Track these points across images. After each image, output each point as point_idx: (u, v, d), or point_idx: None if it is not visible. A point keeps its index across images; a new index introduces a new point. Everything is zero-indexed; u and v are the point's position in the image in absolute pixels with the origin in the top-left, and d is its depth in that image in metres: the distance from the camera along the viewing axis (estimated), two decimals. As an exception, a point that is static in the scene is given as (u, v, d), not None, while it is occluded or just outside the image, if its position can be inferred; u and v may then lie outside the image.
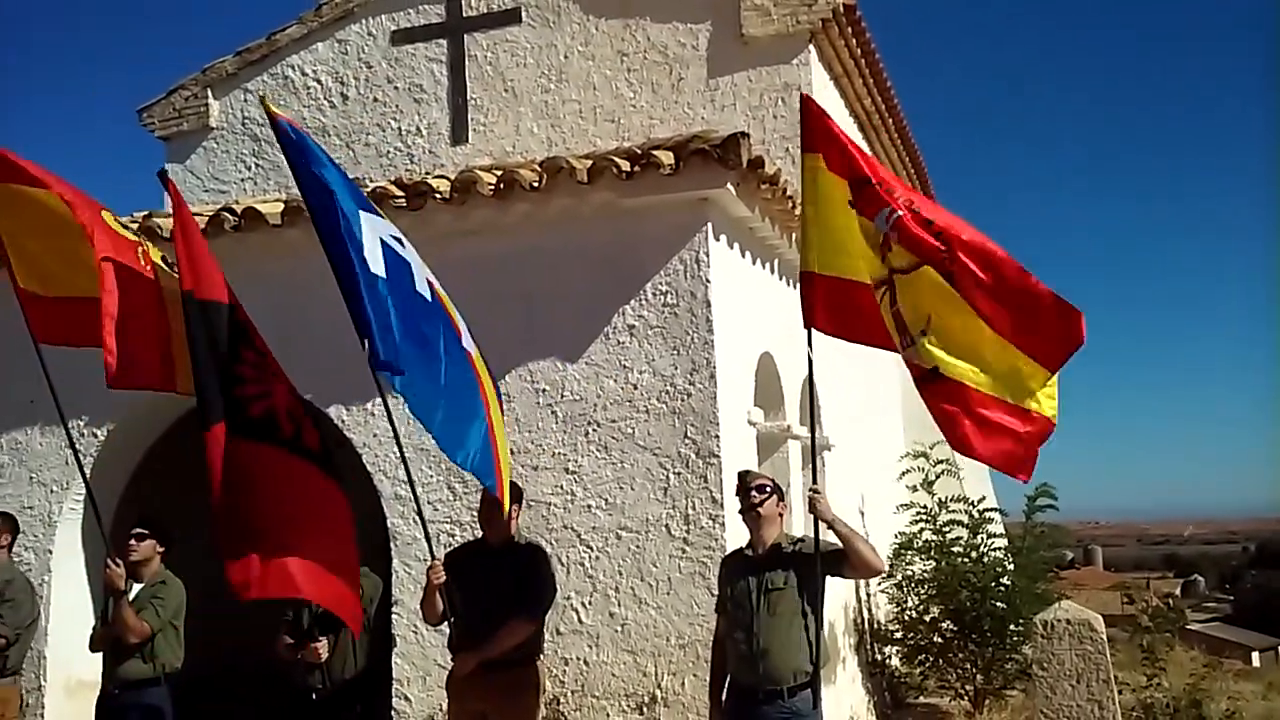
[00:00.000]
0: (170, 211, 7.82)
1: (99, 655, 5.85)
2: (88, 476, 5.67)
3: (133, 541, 5.60)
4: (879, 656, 9.26)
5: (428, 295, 4.58)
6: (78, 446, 5.90)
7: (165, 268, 4.92)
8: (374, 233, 4.39)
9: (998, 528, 9.76)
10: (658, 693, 6.09)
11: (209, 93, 10.19)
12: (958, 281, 4.39)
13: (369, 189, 6.41)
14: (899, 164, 12.09)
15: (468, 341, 4.74)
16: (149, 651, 5.47)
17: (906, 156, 12.07)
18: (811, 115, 4.65)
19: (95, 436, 7.20)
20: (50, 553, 7.26)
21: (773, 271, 7.54)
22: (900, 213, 4.45)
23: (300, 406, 4.51)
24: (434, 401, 4.36)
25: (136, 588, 5.52)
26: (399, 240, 4.58)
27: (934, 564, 9.14)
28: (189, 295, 4.39)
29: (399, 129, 9.64)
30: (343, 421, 6.78)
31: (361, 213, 4.39)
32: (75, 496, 7.35)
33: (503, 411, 5.02)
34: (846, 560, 4.58)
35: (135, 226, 6.98)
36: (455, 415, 4.45)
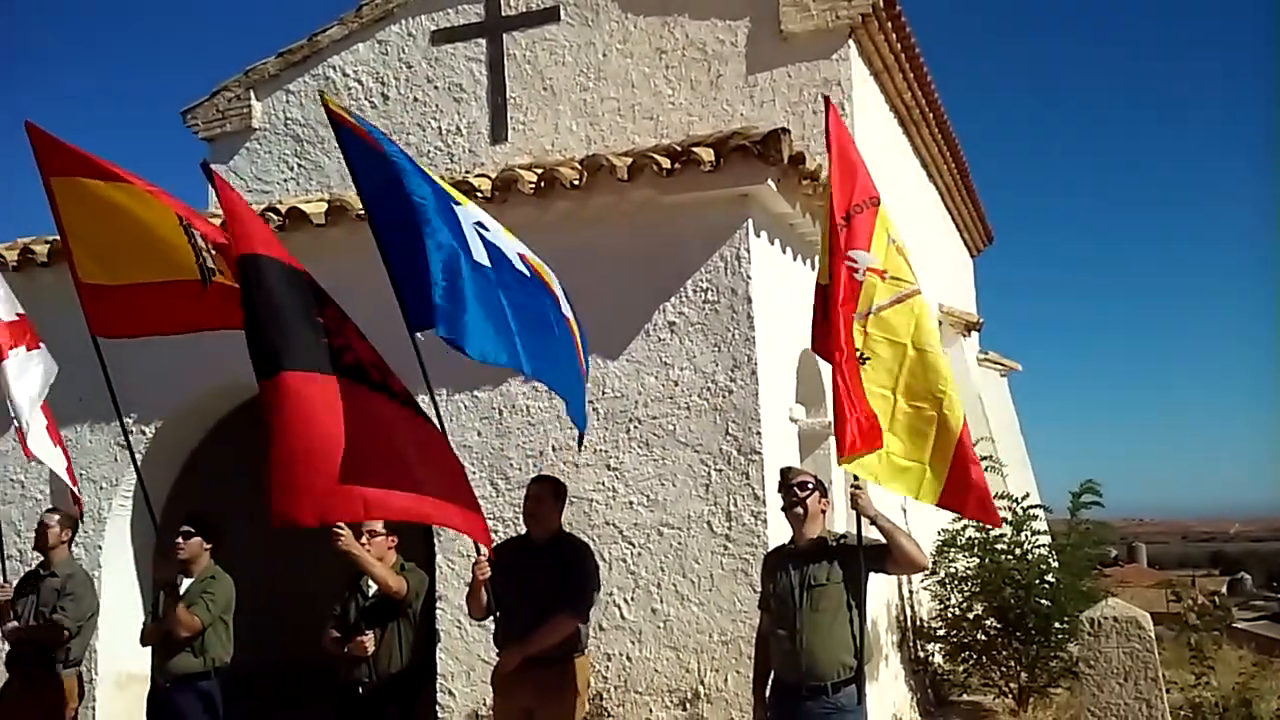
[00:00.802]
0: (215, 211, 7.93)
1: (148, 649, 5.95)
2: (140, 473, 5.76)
3: (180, 539, 5.67)
4: (922, 654, 9.20)
5: (526, 270, 4.50)
6: (129, 443, 5.98)
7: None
8: (468, 221, 4.32)
9: (1042, 524, 9.67)
10: (700, 689, 6.10)
11: (252, 94, 10.30)
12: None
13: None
14: (940, 160, 12.01)
15: (566, 307, 4.69)
16: (199, 646, 5.54)
17: (947, 151, 11.98)
18: (831, 122, 4.65)
19: (144, 434, 7.31)
20: (100, 548, 7.39)
21: (813, 268, 7.51)
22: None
23: (383, 361, 4.42)
24: (572, 382, 4.44)
25: (186, 583, 5.60)
26: (482, 225, 4.48)
27: (977, 561, 9.07)
28: (247, 255, 4.29)
29: (439, 128, 9.69)
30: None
31: (453, 206, 4.33)
32: (124, 493, 7.48)
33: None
34: (889, 556, 4.56)
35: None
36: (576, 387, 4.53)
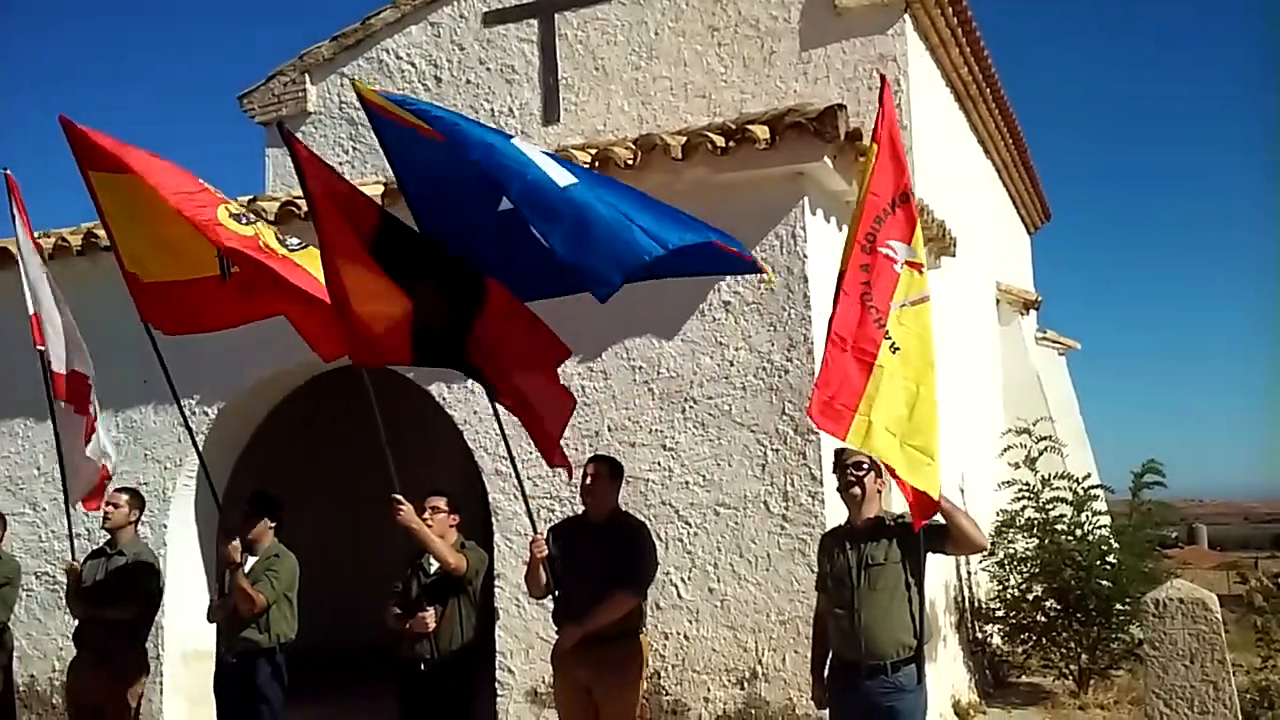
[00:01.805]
0: (273, 195, 8.02)
1: (213, 625, 6.06)
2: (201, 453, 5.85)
3: (244, 518, 5.76)
4: (980, 635, 9.14)
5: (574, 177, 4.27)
6: (190, 425, 6.09)
7: (284, 247, 5.01)
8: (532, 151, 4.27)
9: (1102, 505, 9.54)
10: (758, 668, 6.11)
11: (306, 78, 10.38)
12: None
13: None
14: (997, 136, 11.82)
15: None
16: (264, 622, 5.62)
17: (1005, 127, 11.79)
18: (884, 104, 4.56)
19: (207, 415, 7.42)
20: (165, 527, 7.53)
21: (870, 245, 7.44)
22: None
23: None
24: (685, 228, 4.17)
25: (251, 560, 5.69)
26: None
27: (1037, 542, 8.99)
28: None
29: (491, 110, 9.70)
30: (444, 399, 6.89)
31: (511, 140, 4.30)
32: (188, 473, 7.60)
33: None
34: (948, 536, 4.52)
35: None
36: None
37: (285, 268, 4.91)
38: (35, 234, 5.99)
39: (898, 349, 4.38)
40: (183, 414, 5.52)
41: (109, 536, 6.10)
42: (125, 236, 5.17)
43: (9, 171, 5.73)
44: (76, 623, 6.08)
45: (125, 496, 6.12)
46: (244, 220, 5.01)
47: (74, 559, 6.02)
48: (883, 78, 4.78)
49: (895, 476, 4.35)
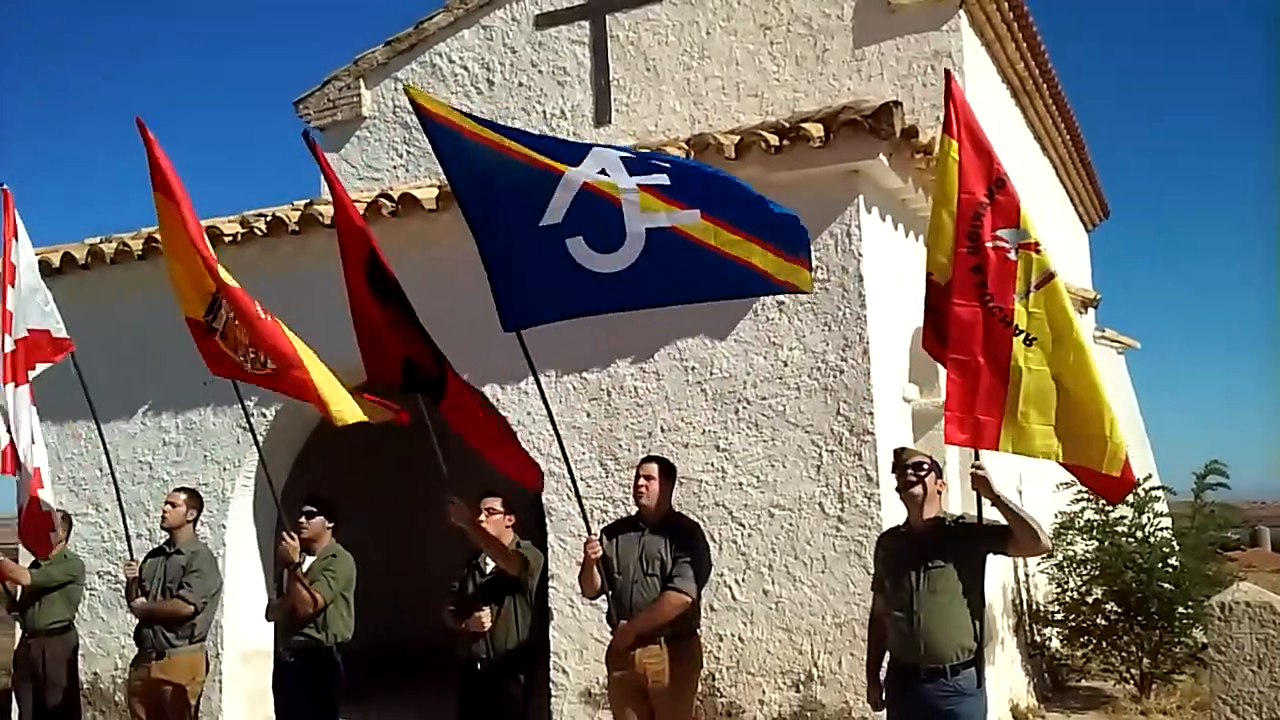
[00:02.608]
0: (325, 199, 8.09)
1: (271, 624, 6.13)
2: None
3: (303, 519, 5.82)
4: (1038, 638, 9.00)
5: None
6: (252, 426, 6.16)
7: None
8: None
9: (1163, 506, 9.36)
10: (814, 670, 6.06)
11: (361, 83, 10.48)
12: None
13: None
14: (1054, 132, 11.65)
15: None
16: (321, 622, 5.67)
17: (1062, 124, 11.61)
18: (955, 97, 4.46)
19: (265, 417, 7.51)
20: (224, 527, 7.64)
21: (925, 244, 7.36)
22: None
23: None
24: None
25: (309, 561, 5.74)
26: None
27: (1096, 544, 8.84)
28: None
29: (543, 112, 9.73)
30: (497, 400, 6.91)
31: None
32: (246, 474, 7.71)
33: None
34: (1010, 538, 4.45)
35: (297, 215, 7.28)
36: None
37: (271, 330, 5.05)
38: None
39: (1033, 340, 4.28)
40: (246, 415, 5.57)
41: (168, 536, 6.19)
42: (169, 261, 5.34)
43: (5, 188, 5.98)
44: (137, 621, 6.18)
45: (183, 496, 6.21)
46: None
47: (133, 558, 6.12)
48: (947, 72, 4.72)
49: (1071, 468, 4.32)
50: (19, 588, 6.78)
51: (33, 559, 6.87)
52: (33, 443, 5.98)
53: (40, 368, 5.99)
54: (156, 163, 5.15)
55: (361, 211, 7.03)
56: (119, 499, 6.27)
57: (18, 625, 7.15)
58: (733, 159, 6.24)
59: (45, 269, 7.39)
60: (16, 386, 5.91)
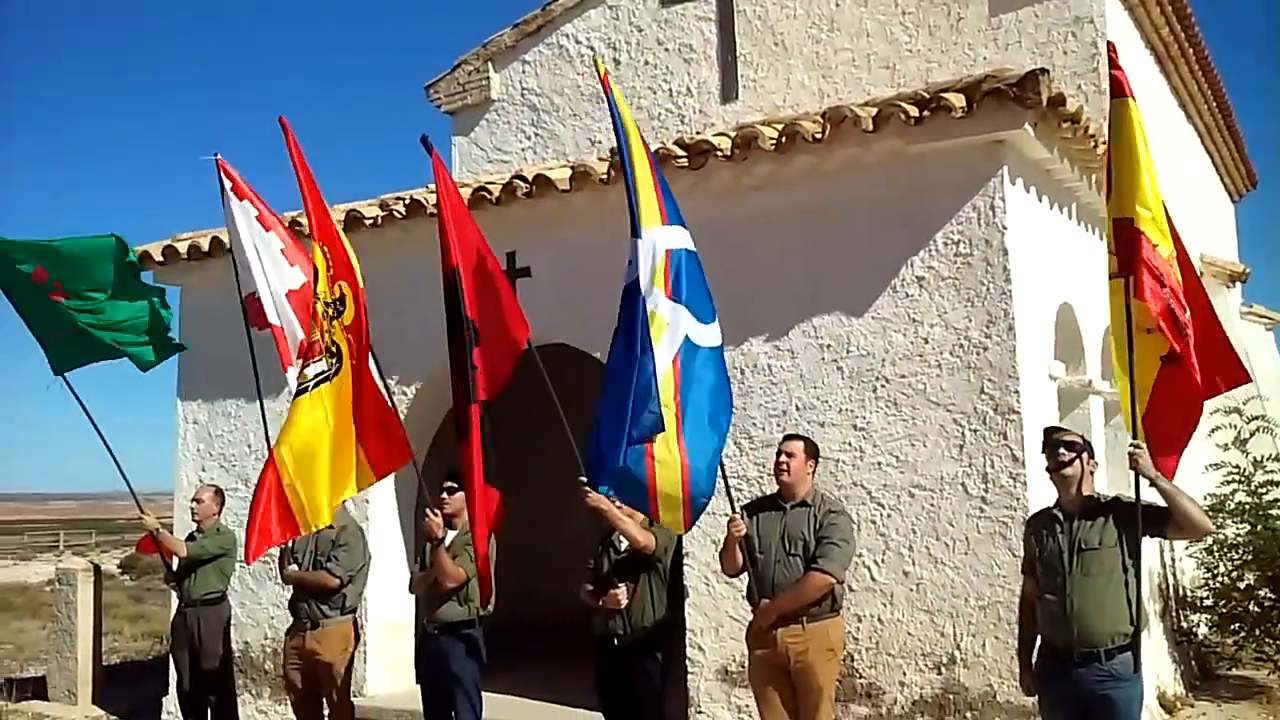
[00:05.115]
0: (461, 182, 8.21)
1: (413, 597, 6.26)
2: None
3: (445, 494, 5.93)
4: (1186, 624, 8.68)
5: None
6: (394, 403, 6.29)
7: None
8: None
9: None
10: (956, 653, 5.94)
11: (489, 66, 10.60)
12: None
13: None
14: (1199, 98, 11.14)
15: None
16: (463, 595, 5.78)
17: (1209, 89, 11.10)
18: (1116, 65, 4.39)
19: (405, 395, 7.68)
20: (368, 502, 7.84)
21: (1071, 216, 7.12)
22: None
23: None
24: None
25: (451, 535, 5.85)
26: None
27: (1249, 527, 8.46)
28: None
29: (670, 90, 9.70)
30: (631, 379, 6.92)
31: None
32: (387, 451, 7.88)
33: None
34: (1170, 520, 4.31)
35: (434, 198, 7.41)
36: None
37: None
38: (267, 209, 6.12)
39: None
40: (388, 392, 5.67)
41: None
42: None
43: (219, 156, 6.06)
44: (290, 593, 6.40)
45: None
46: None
47: None
48: (1110, 45, 4.57)
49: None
50: (175, 559, 7.08)
51: (189, 532, 7.17)
52: None
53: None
54: (298, 160, 5.30)
55: (496, 194, 7.14)
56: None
57: (174, 596, 7.47)
58: (870, 131, 6.12)
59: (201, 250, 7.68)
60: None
